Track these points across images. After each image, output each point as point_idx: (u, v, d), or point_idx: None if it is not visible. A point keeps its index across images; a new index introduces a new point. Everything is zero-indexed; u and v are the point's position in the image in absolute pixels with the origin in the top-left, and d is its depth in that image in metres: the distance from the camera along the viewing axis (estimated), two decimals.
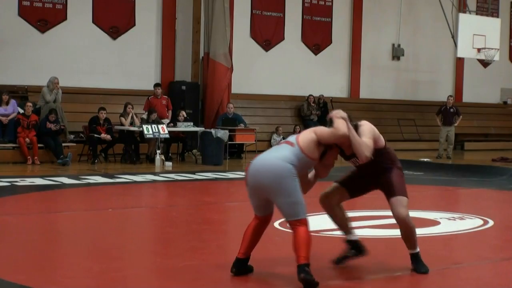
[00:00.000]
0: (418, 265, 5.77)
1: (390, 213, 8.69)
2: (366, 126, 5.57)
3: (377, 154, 5.57)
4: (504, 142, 24.48)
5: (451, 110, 19.16)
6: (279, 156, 5.38)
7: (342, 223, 5.99)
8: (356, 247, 5.98)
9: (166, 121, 16.61)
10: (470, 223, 8.54)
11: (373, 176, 5.75)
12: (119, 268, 5.91)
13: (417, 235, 5.77)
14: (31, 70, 16.84)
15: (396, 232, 7.58)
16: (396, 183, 5.62)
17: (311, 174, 5.82)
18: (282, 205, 5.33)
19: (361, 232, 7.36)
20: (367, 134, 5.50)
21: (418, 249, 5.80)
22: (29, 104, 15.40)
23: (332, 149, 5.65)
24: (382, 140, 5.68)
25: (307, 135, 5.55)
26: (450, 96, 20.12)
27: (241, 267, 5.61)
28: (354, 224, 6.71)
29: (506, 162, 17.73)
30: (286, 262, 6.22)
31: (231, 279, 5.63)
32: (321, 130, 5.57)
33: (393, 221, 8.28)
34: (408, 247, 5.78)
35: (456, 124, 19.21)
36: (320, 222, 8.28)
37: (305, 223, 5.29)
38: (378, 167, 5.68)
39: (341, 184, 5.92)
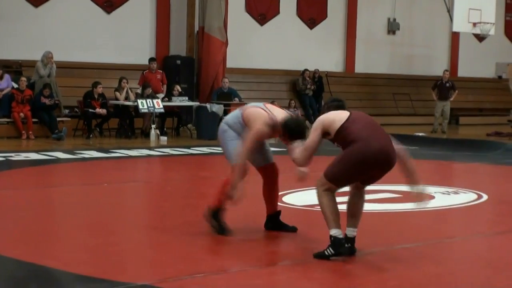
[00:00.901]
0: (324, 249, 5.40)
1: (384, 187, 8.76)
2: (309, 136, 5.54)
3: (338, 139, 5.46)
4: (499, 117, 24.48)
5: (447, 84, 19.13)
6: (225, 119, 6.25)
7: (350, 212, 5.67)
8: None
9: (161, 95, 16.57)
10: (464, 197, 8.58)
11: None
12: (115, 242, 5.94)
13: (333, 217, 5.37)
14: (25, 45, 16.74)
15: (391, 207, 7.64)
16: (330, 164, 5.43)
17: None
18: None
19: None
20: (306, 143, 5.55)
21: (332, 231, 5.37)
22: (23, 78, 15.34)
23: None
24: (333, 127, 5.42)
25: (252, 119, 5.91)
26: (446, 70, 20.07)
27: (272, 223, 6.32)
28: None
29: (500, 137, 17.77)
30: (282, 235, 6.26)
31: (228, 253, 5.66)
32: (251, 126, 5.87)
33: (388, 195, 8.35)
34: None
35: (452, 99, 19.19)
36: (314, 196, 8.30)
37: (234, 168, 5.91)
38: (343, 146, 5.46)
39: None
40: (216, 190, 6.08)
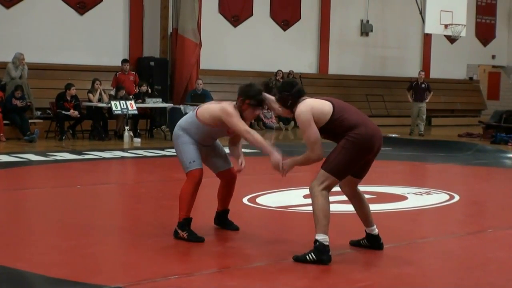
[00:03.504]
0: (306, 253, 5.34)
1: (364, 188, 8.79)
2: (300, 118, 5.37)
3: (328, 128, 5.37)
4: (470, 118, 24.78)
5: (423, 85, 18.96)
6: (178, 123, 6.14)
7: (360, 215, 5.84)
8: (371, 240, 5.80)
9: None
10: (436, 198, 8.65)
11: None
12: (88, 244, 5.90)
13: (324, 222, 5.29)
14: None
15: (373, 208, 7.67)
16: (330, 157, 5.35)
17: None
18: None
19: (333, 207, 7.41)
20: (302, 128, 5.39)
21: (319, 237, 5.29)
22: None
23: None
24: (323, 118, 5.33)
25: (213, 109, 5.94)
26: (422, 71, 19.93)
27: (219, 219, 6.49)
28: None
29: (471, 138, 17.98)
30: (255, 237, 6.27)
31: (202, 254, 5.66)
32: (231, 120, 5.80)
33: (367, 196, 8.39)
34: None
35: (427, 100, 19.09)
36: (288, 198, 8.34)
37: (189, 176, 5.96)
38: (336, 137, 5.41)
39: None
40: (179, 204, 6.03)
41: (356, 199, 5.73)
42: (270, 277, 5.07)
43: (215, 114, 5.88)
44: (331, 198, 5.48)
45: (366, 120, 5.44)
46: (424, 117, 19.07)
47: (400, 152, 14.31)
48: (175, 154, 6.21)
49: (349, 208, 6.91)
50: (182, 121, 6.12)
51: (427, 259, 5.73)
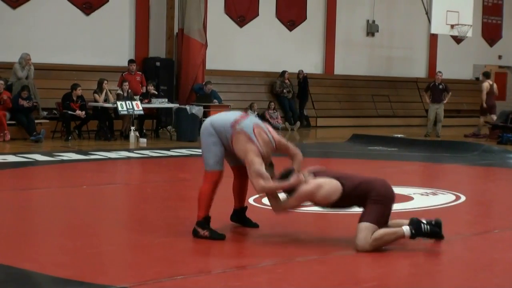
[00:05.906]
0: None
1: None
2: (304, 188, 5.80)
3: (343, 200, 5.82)
4: (476, 118, 24.64)
5: (440, 86, 18.74)
6: (212, 121, 6.07)
7: None
8: None
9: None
10: (442, 198, 8.64)
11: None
12: (94, 244, 5.91)
13: (393, 235, 5.78)
14: (2, 47, 16.62)
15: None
16: (368, 212, 5.77)
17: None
18: None
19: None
20: (296, 195, 5.84)
21: (406, 231, 5.83)
22: (1, 82, 15.21)
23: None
24: (334, 195, 5.78)
25: (243, 150, 5.88)
26: (439, 72, 19.64)
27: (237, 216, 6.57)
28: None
29: (477, 138, 17.94)
30: (261, 237, 6.27)
31: (208, 255, 5.66)
32: (252, 163, 5.82)
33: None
34: None
35: (445, 101, 18.91)
36: None
37: (208, 176, 6.00)
38: (359, 202, 5.87)
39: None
40: (198, 203, 6.09)
41: None
42: (276, 277, 5.07)
43: (242, 156, 5.92)
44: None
45: (371, 179, 5.94)
46: (442, 118, 18.75)
47: (406, 153, 14.29)
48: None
49: (354, 209, 6.90)
50: (217, 125, 6.01)
51: (433, 260, 5.72)
